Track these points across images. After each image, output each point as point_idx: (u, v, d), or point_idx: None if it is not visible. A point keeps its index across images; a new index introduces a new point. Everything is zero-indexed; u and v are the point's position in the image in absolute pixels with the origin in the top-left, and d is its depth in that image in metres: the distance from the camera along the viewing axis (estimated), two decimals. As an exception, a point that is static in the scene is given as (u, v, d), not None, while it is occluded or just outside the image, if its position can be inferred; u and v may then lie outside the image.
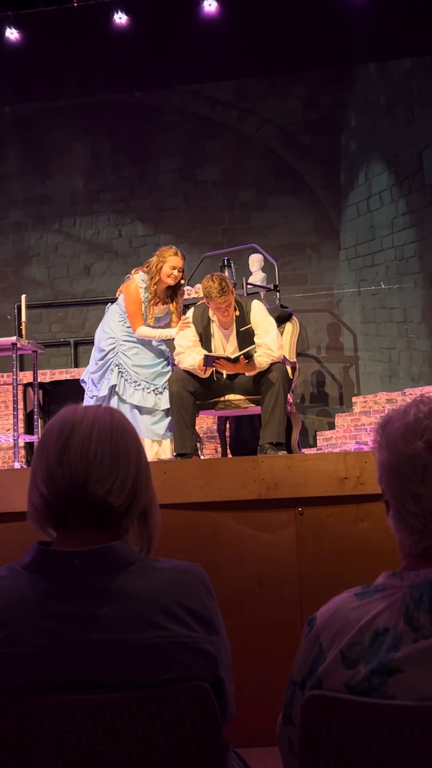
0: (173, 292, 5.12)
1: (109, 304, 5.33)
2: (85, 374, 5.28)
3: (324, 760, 1.30)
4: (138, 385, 4.96)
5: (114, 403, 4.95)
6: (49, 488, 1.45)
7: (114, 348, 5.05)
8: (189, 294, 6.15)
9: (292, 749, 1.43)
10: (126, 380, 4.98)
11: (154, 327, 5.07)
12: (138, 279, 5.05)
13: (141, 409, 4.95)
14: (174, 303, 5.12)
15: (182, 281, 5.12)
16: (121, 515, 1.47)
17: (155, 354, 5.10)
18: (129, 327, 5.06)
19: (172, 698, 1.34)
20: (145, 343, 5.07)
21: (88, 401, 5.05)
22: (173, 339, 4.97)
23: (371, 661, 1.31)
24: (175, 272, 4.99)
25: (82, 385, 5.29)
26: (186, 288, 5.58)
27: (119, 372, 4.99)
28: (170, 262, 4.98)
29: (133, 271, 5.17)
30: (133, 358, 5.01)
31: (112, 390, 4.99)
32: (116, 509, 1.45)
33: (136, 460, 1.49)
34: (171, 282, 5.02)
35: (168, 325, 5.15)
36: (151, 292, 5.00)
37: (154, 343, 5.08)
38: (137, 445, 1.52)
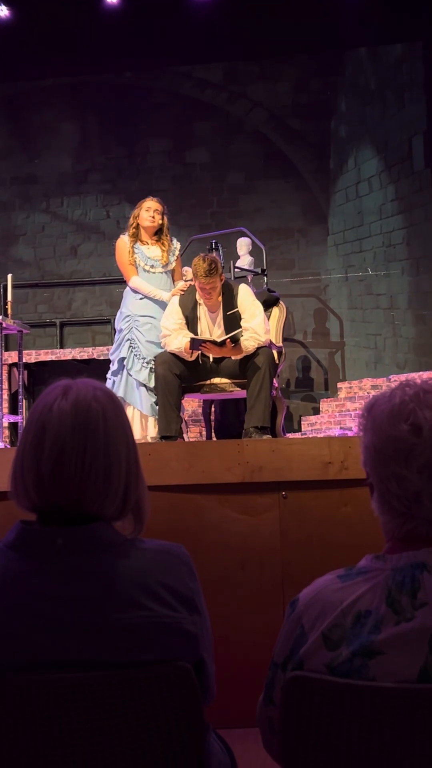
0: (159, 232, 5.20)
1: (127, 288, 5.31)
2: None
3: (304, 741, 1.31)
4: (146, 363, 4.98)
5: (123, 376, 5.02)
6: (42, 498, 1.43)
7: (129, 324, 5.09)
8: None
9: (273, 730, 1.44)
10: (135, 356, 5.02)
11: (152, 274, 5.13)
12: (124, 235, 5.22)
13: (147, 387, 4.96)
14: (162, 241, 5.18)
15: (164, 222, 5.19)
16: (111, 520, 1.46)
17: None
18: (142, 299, 5.09)
19: (153, 678, 1.35)
20: (159, 318, 5.05)
21: (108, 382, 5.11)
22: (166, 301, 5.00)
23: (353, 643, 1.32)
24: (152, 212, 5.13)
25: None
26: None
27: (130, 347, 5.03)
28: (145, 205, 5.14)
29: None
30: (146, 334, 5.03)
31: (122, 363, 5.03)
32: (107, 517, 1.45)
33: (126, 458, 1.47)
34: (150, 223, 5.13)
35: (170, 279, 5.19)
36: (131, 234, 5.14)
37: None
38: (126, 437, 1.48)
